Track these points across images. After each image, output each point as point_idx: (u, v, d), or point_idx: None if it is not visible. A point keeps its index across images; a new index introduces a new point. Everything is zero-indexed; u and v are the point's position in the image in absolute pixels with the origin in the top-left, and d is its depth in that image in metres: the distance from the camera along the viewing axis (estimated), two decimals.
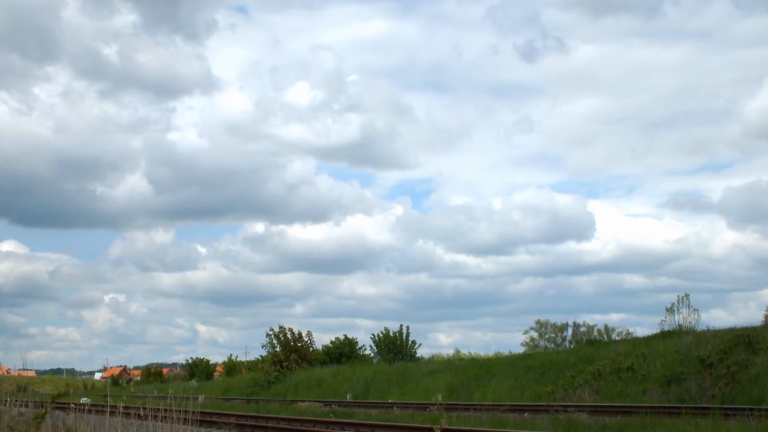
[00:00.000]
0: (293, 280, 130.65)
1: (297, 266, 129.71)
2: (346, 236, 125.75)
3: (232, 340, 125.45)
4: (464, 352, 56.58)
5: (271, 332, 47.40)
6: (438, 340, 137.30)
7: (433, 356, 53.79)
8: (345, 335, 56.57)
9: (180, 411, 11.38)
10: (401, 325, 50.38)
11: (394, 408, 25.85)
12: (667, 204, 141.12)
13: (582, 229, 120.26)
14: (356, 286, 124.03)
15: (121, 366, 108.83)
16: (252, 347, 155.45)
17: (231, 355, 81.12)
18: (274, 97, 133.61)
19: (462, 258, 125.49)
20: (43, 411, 12.53)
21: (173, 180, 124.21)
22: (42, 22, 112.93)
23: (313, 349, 48.36)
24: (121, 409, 15.59)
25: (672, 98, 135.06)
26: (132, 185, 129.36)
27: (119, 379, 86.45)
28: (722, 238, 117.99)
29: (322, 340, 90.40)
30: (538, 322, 58.87)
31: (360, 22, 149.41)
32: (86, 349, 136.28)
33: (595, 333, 54.98)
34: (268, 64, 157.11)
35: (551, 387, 27.24)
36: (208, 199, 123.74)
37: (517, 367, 31.19)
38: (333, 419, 20.23)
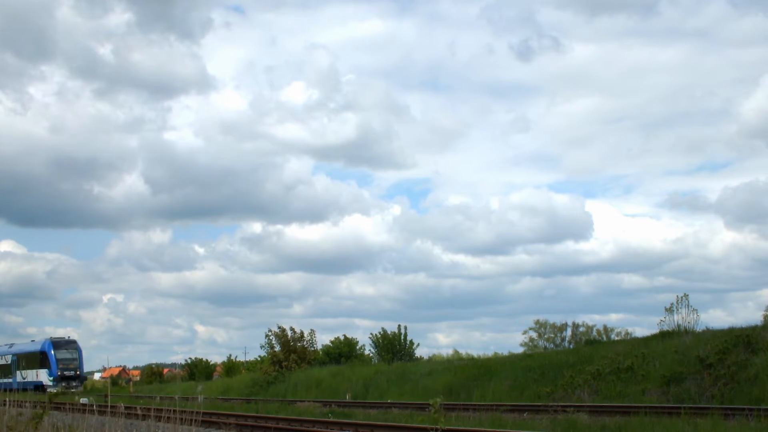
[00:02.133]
0: (291, 280, 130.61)
1: (295, 266, 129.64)
2: (344, 236, 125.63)
3: (231, 340, 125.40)
4: (463, 352, 56.67)
5: (270, 332, 47.45)
6: (437, 340, 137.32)
7: (432, 356, 53.90)
8: (345, 335, 56.67)
9: (181, 411, 11.40)
10: (399, 326, 50.47)
11: (393, 408, 25.88)
12: (665, 204, 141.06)
13: (580, 229, 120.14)
14: (354, 286, 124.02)
15: (120, 366, 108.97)
16: (251, 347, 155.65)
17: (230, 355, 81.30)
18: (270, 97, 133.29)
19: (460, 258, 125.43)
20: (41, 411, 12.49)
21: (170, 180, 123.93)
22: (36, 21, 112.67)
23: (313, 349, 48.37)
24: (123, 409, 15.59)
25: (669, 98, 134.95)
26: (129, 185, 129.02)
27: (118, 380, 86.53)
28: (720, 238, 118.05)
29: (320, 340, 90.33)
30: (537, 322, 59.09)
31: (356, 22, 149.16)
32: (85, 349, 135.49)
33: (594, 333, 55.17)
34: (263, 64, 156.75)
35: (550, 387, 27.28)
36: (205, 199, 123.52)
37: (516, 368, 31.23)
38: (332, 419, 20.25)
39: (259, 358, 61.81)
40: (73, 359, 54.81)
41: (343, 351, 54.46)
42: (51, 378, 52.64)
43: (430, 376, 34.66)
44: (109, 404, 16.37)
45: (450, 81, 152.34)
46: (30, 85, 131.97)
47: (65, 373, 53.24)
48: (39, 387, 51.95)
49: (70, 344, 55.80)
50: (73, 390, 50.22)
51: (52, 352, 53.80)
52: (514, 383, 29.40)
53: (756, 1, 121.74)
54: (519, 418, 20.62)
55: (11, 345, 61.26)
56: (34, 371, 55.30)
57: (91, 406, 21.84)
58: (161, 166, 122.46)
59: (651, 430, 15.34)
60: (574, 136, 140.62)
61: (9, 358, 59.70)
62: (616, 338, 49.40)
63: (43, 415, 12.27)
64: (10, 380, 56.46)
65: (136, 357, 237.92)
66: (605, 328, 57.03)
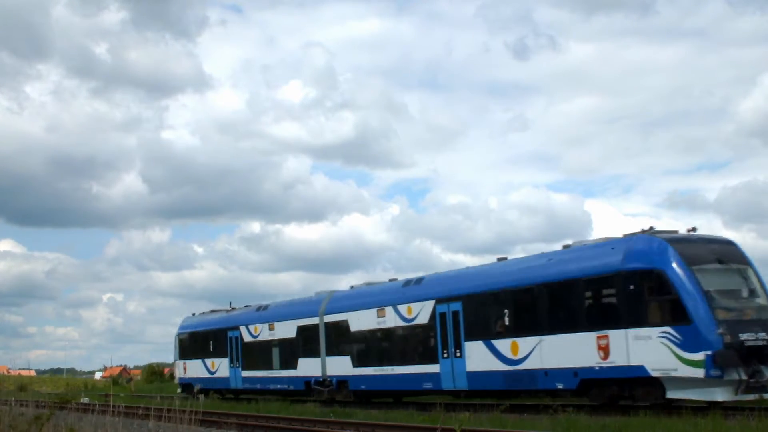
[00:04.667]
0: (291, 279, 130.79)
1: (294, 266, 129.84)
2: (343, 236, 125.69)
3: None
4: None
5: None
6: None
7: None
8: None
9: (181, 411, 11.42)
10: None
11: (395, 408, 25.86)
12: (664, 203, 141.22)
13: (579, 229, 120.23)
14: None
15: (121, 365, 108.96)
16: None
17: None
18: (267, 95, 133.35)
19: (459, 257, 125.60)
20: (49, 413, 12.43)
21: (169, 179, 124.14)
22: (32, 20, 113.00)
23: None
24: (123, 408, 15.61)
25: (668, 97, 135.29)
26: (128, 184, 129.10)
27: (119, 379, 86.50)
28: None
29: None
30: None
31: (354, 21, 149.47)
32: (85, 348, 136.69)
33: None
34: (260, 62, 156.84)
35: None
36: (203, 198, 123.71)
37: None
38: (333, 419, 20.26)
39: None
40: (752, 291, 18.43)
41: None
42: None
43: None
44: (110, 404, 16.38)
45: (448, 80, 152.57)
46: (26, 84, 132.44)
47: (746, 339, 17.04)
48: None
49: (727, 251, 19.64)
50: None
51: (690, 272, 17.90)
52: None
53: (754, 1, 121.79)
54: (519, 418, 20.61)
55: (371, 284, 28.63)
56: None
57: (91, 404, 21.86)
58: (159, 166, 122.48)
59: (651, 430, 15.34)
60: (572, 135, 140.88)
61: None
62: None
63: (49, 418, 12.11)
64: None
65: (136, 356, 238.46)
66: None
